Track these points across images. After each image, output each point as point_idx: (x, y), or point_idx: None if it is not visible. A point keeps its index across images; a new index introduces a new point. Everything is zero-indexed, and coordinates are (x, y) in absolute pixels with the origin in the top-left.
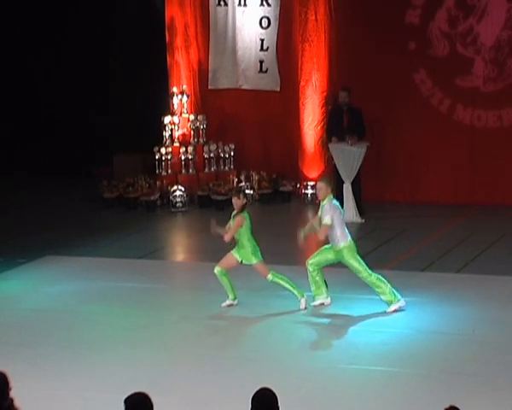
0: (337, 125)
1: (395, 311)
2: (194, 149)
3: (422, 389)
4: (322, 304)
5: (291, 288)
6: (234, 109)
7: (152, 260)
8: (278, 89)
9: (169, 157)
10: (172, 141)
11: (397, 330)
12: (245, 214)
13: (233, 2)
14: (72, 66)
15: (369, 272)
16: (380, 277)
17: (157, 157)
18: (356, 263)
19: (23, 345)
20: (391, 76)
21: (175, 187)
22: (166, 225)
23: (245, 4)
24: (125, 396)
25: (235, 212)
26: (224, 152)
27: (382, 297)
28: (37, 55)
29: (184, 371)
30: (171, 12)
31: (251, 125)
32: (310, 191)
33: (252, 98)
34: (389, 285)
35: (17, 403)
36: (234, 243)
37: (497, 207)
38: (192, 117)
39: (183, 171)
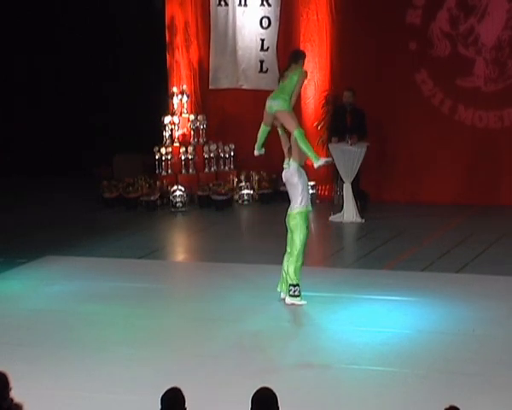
0: (340, 124)
1: None
2: (194, 149)
3: (422, 389)
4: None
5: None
6: (234, 109)
7: (152, 260)
8: None
9: (169, 157)
10: (172, 141)
11: (397, 330)
12: None
13: (233, 3)
14: (71, 65)
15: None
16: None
17: (157, 157)
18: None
19: (23, 345)
20: (392, 76)
21: (175, 187)
22: (166, 225)
23: (245, 4)
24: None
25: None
26: (224, 152)
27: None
28: (37, 54)
29: (184, 371)
30: (172, 11)
31: (251, 125)
32: (310, 191)
33: (252, 98)
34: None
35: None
36: None
37: (497, 207)
38: (192, 117)
39: (183, 171)
